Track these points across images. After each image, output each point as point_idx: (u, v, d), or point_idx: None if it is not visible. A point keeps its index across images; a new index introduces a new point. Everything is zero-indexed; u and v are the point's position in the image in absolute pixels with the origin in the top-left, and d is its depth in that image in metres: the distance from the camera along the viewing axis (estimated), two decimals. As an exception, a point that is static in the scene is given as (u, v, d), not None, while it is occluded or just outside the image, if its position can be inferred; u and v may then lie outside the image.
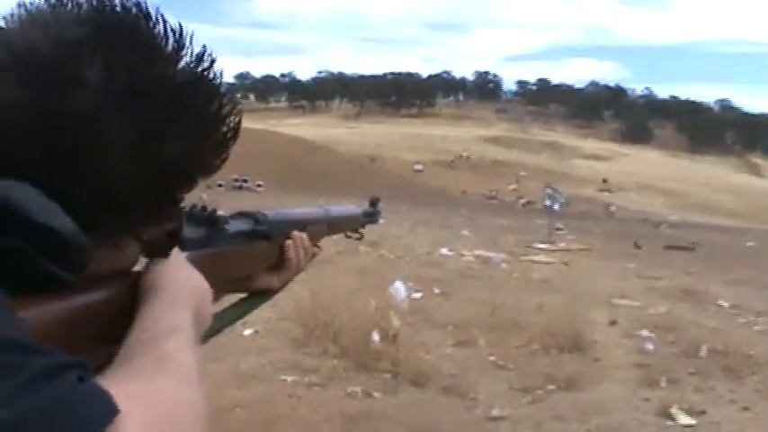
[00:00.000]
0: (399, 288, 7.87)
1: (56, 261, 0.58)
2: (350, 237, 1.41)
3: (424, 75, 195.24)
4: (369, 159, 75.97)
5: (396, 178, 56.92)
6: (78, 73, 0.59)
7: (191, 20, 0.71)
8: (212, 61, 0.66)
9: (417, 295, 8.85)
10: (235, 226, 0.92)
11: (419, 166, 76.83)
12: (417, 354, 6.15)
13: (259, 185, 41.10)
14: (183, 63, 0.64)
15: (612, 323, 8.06)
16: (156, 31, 0.63)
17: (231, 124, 0.69)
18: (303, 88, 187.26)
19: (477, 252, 14.42)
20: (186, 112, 0.64)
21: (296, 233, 1.06)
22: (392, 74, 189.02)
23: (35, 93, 0.58)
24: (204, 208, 0.84)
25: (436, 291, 9.50)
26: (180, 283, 0.70)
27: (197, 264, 0.76)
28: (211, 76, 0.66)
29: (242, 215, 0.97)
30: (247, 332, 6.53)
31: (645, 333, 7.53)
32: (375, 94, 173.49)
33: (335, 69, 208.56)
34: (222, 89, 0.67)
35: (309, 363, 5.89)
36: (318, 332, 6.28)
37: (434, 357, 6.30)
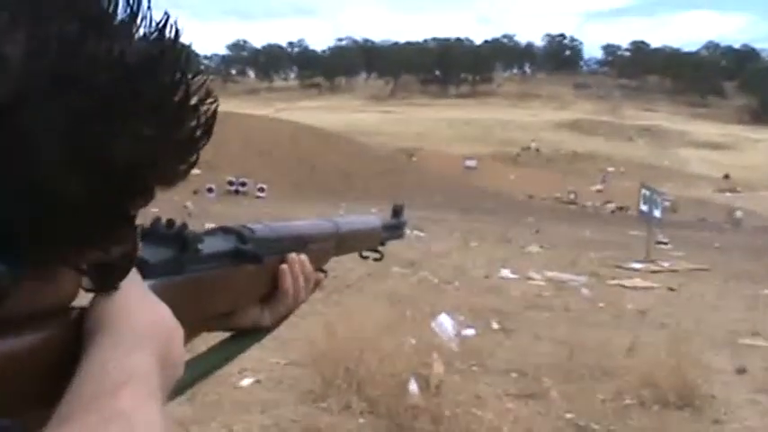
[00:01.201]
0: (445, 323, 7.91)
1: None
2: (366, 257, 1.41)
3: (479, 41, 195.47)
4: (406, 154, 76.18)
5: (441, 179, 56.96)
6: None
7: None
8: (176, 34, 0.65)
9: (469, 332, 8.87)
10: (211, 245, 0.91)
11: (472, 163, 76.74)
12: (468, 409, 6.17)
13: (261, 190, 41.28)
14: (136, 37, 0.63)
15: (740, 371, 8.00)
16: None
17: (201, 118, 0.68)
18: (318, 61, 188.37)
19: (550, 274, 14.41)
20: (140, 103, 0.62)
21: (293, 255, 1.06)
22: (435, 40, 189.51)
23: None
24: (170, 223, 0.85)
25: (495, 326, 9.51)
26: (137, 318, 0.70)
27: (162, 294, 0.76)
28: (175, 54, 0.65)
29: (222, 231, 0.98)
30: (246, 382, 6.60)
31: (789, 386, 7.46)
32: (413, 68, 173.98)
33: (360, 35, 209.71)
34: (189, 72, 0.66)
35: (328, 422, 5.94)
36: (339, 382, 6.32)
37: (491, 414, 6.31)
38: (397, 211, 1.49)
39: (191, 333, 0.85)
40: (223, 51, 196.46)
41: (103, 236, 0.66)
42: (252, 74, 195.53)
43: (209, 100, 0.69)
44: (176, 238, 0.84)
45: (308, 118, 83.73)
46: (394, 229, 1.46)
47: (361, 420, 5.95)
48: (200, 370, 0.92)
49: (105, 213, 0.64)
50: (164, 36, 0.64)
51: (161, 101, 0.64)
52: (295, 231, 1.11)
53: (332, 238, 1.20)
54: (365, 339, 6.68)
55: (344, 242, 1.24)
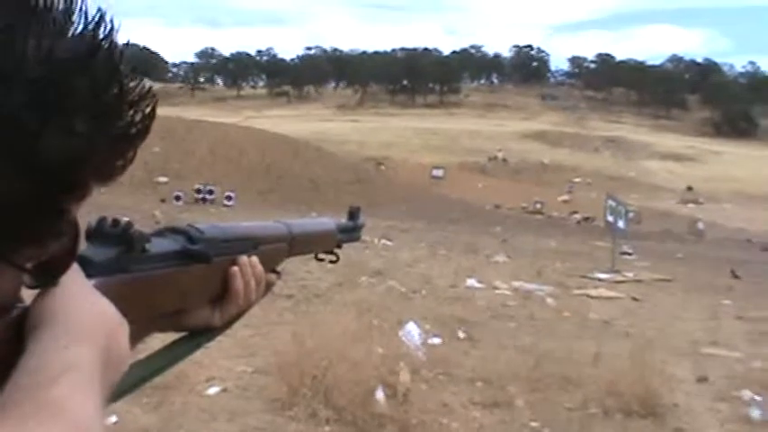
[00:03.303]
0: (412, 331, 7.93)
1: None
2: (321, 260, 1.41)
3: (446, 51, 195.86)
4: (374, 163, 76.19)
5: (409, 188, 56.98)
6: None
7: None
8: (111, 31, 0.66)
9: (436, 341, 8.89)
10: (159, 245, 0.92)
11: (439, 172, 76.74)
12: (435, 418, 6.19)
13: (229, 198, 40.99)
14: (70, 33, 0.64)
15: (701, 380, 8.08)
16: None
17: (138, 115, 0.69)
18: (287, 69, 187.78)
19: (516, 284, 14.47)
20: (71, 98, 0.63)
21: (243, 257, 1.07)
22: (404, 50, 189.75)
23: None
24: (116, 222, 0.85)
25: (461, 335, 9.54)
26: (78, 313, 0.70)
27: (106, 293, 0.77)
28: (109, 51, 0.66)
29: (171, 231, 0.98)
30: (212, 390, 6.58)
31: (748, 395, 7.54)
32: (381, 77, 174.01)
33: (328, 44, 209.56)
34: (125, 67, 0.67)
35: (294, 430, 5.94)
36: (305, 390, 6.32)
37: (457, 423, 6.33)
38: (353, 214, 1.48)
39: (139, 332, 0.86)
40: (192, 59, 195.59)
41: (39, 231, 0.66)
42: (220, 82, 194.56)
43: (146, 95, 0.69)
44: (122, 237, 0.84)
45: (277, 126, 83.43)
46: (350, 232, 1.45)
47: (328, 429, 5.95)
48: (150, 368, 0.92)
49: (39, 209, 0.65)
50: (98, 33, 0.65)
51: (94, 97, 0.65)
52: (245, 232, 1.11)
53: (284, 239, 1.20)
54: (333, 348, 6.68)
55: (298, 244, 1.24)
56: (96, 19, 0.65)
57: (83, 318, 0.70)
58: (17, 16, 0.61)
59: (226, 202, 40.42)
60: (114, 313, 0.75)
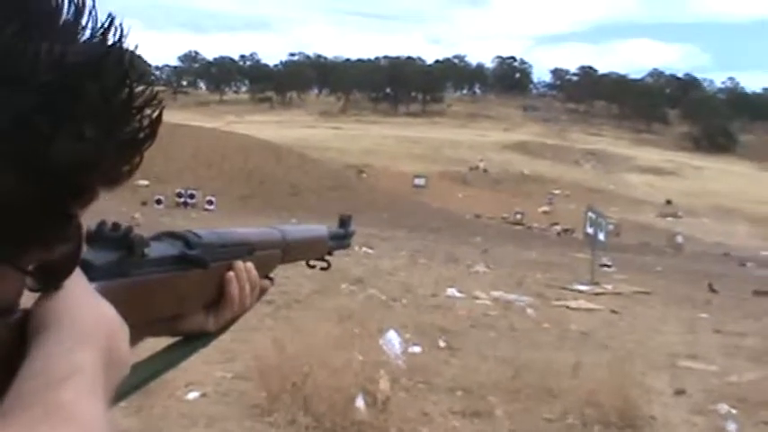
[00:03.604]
0: (393, 340, 7.93)
1: None
2: (313, 266, 1.42)
3: (430, 60, 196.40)
4: (356, 170, 76.21)
5: (390, 196, 57.02)
6: None
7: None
8: (121, 36, 0.66)
9: (416, 349, 8.89)
10: (157, 250, 0.92)
11: (421, 181, 76.92)
12: (414, 426, 6.19)
13: (210, 202, 40.99)
14: (81, 39, 0.64)
15: (678, 393, 8.12)
16: None
17: (145, 121, 0.69)
18: (270, 75, 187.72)
19: (496, 294, 14.50)
20: (81, 103, 0.63)
21: (239, 262, 1.07)
22: (387, 58, 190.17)
23: None
24: (116, 226, 0.85)
25: (441, 344, 9.55)
26: (81, 317, 0.71)
27: (107, 296, 0.77)
28: (118, 56, 0.66)
29: (169, 236, 0.98)
30: (192, 396, 6.56)
31: (724, 408, 7.57)
32: (364, 85, 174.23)
33: (312, 51, 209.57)
34: (134, 73, 0.67)
35: (273, 437, 5.92)
36: (285, 396, 6.31)
37: (437, 432, 6.34)
38: (344, 221, 1.49)
39: (136, 337, 0.85)
40: (174, 62, 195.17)
41: (46, 235, 0.66)
42: (203, 86, 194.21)
43: (154, 101, 0.69)
44: (122, 241, 0.84)
45: (259, 132, 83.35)
46: (341, 239, 1.46)
47: (307, 435, 5.94)
48: (144, 374, 0.92)
49: (47, 213, 0.64)
50: (107, 38, 0.65)
51: (103, 102, 0.65)
52: (242, 238, 1.11)
53: (278, 245, 1.21)
54: (313, 355, 6.67)
55: (291, 250, 1.25)
56: (106, 24, 0.65)
57: (86, 321, 0.71)
58: (30, 20, 0.61)
59: (207, 207, 40.39)
60: (116, 317, 0.75)
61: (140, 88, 0.68)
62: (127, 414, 5.72)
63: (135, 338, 0.84)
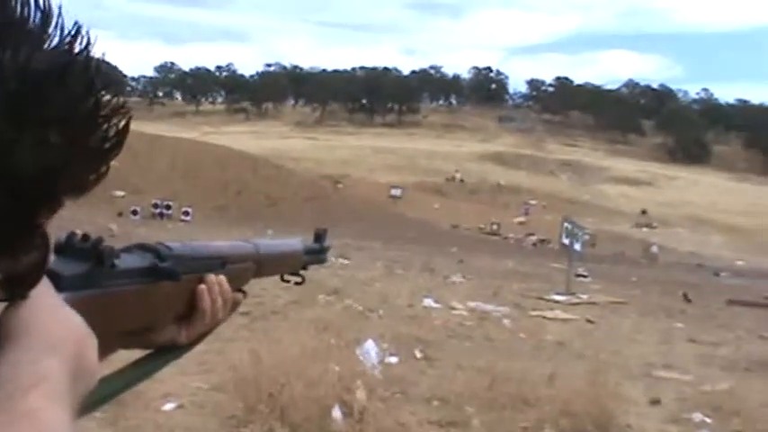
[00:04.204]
0: (369, 350, 7.93)
1: None
2: (287, 281, 1.41)
3: (406, 71, 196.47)
4: (332, 181, 76.20)
5: (367, 206, 57.05)
6: None
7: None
8: (88, 44, 0.66)
9: (393, 360, 8.90)
10: (128, 261, 0.92)
11: (397, 191, 76.97)
12: (392, 437, 6.19)
13: (186, 213, 40.83)
14: (47, 46, 0.64)
15: (654, 402, 8.17)
16: None
17: (112, 129, 0.69)
18: (246, 86, 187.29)
19: (472, 304, 14.53)
20: (47, 110, 0.63)
21: (211, 276, 1.06)
22: (363, 69, 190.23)
23: None
24: (86, 237, 0.84)
25: (417, 354, 9.56)
26: (48, 326, 0.70)
27: (75, 308, 0.76)
28: (85, 63, 0.66)
29: (139, 248, 0.98)
30: (168, 407, 6.53)
31: (698, 417, 7.64)
32: (340, 96, 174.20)
33: (288, 62, 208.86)
34: (100, 81, 0.67)
35: (249, 448, 5.91)
36: (262, 407, 6.29)
37: (414, 442, 6.34)
38: (319, 236, 1.48)
39: (106, 348, 0.85)
40: (150, 73, 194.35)
41: (11, 245, 0.66)
42: (179, 97, 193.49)
43: (122, 111, 0.70)
44: (92, 252, 0.84)
45: (235, 142, 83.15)
46: (316, 254, 1.45)
47: (284, 446, 5.93)
48: (116, 385, 0.92)
49: (12, 221, 0.64)
50: (74, 46, 0.65)
51: (69, 109, 0.65)
52: (213, 251, 1.10)
53: (251, 259, 1.19)
54: (289, 365, 6.67)
55: (265, 264, 1.23)
56: (73, 32, 0.65)
57: (53, 330, 0.70)
58: (4, 19, 0.61)
59: (183, 218, 40.25)
60: (84, 327, 0.74)
61: (108, 97, 0.68)
62: (102, 425, 5.69)
63: (105, 350, 0.84)
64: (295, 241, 1.40)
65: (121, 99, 0.70)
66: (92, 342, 0.74)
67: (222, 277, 1.08)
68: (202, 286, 1.04)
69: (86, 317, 0.76)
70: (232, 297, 1.10)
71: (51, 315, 0.72)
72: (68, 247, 0.83)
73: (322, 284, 14.04)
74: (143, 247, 0.98)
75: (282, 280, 1.38)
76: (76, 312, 0.75)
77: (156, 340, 1.01)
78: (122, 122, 0.70)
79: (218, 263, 1.09)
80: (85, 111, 0.66)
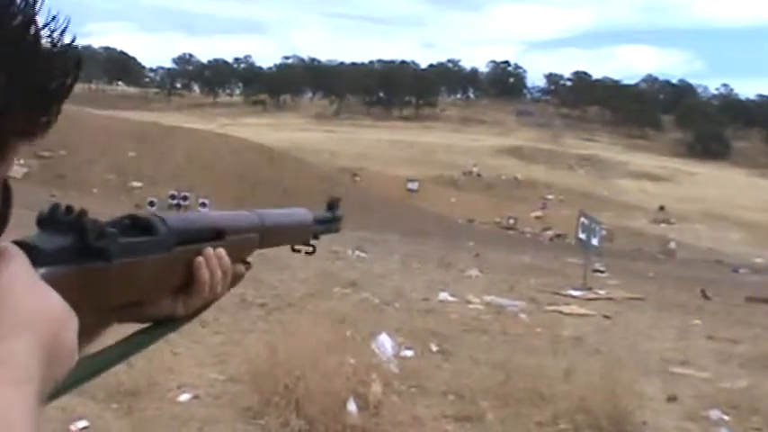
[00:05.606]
0: (385, 343, 7.93)
1: None
2: (298, 251, 1.36)
3: (424, 64, 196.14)
4: (349, 174, 76.29)
5: (383, 200, 57.14)
6: None
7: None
8: None
9: (408, 353, 8.90)
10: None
11: (414, 185, 77.07)
12: (406, 430, 6.19)
13: (203, 204, 40.93)
14: None
15: (671, 399, 8.13)
16: None
17: (57, 67, 0.67)
18: (263, 78, 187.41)
19: (488, 298, 14.51)
20: None
21: (208, 248, 1.02)
22: (381, 62, 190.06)
23: None
24: (69, 209, 0.80)
25: (433, 348, 9.55)
26: (20, 305, 0.67)
27: (56, 284, 0.73)
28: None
29: (130, 219, 0.93)
30: (184, 398, 6.55)
31: (716, 414, 7.58)
32: (358, 89, 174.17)
33: (306, 54, 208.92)
34: (40, 17, 0.66)
35: (265, 439, 5.92)
36: (278, 399, 6.30)
37: (429, 436, 6.34)
38: (331, 205, 1.45)
39: (97, 324, 0.84)
40: (169, 65, 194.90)
41: None
42: (197, 88, 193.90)
43: (69, 49, 0.68)
44: (74, 225, 0.80)
45: (253, 134, 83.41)
46: (328, 223, 1.42)
47: (299, 438, 5.94)
48: (113, 356, 0.89)
49: None
50: None
51: (6, 45, 0.63)
52: (212, 222, 1.06)
53: (255, 229, 1.15)
54: (305, 358, 6.67)
55: (270, 235, 1.19)
56: None
57: (26, 310, 0.67)
58: None
59: (200, 209, 40.31)
60: (62, 306, 0.71)
61: (52, 35, 0.66)
62: (118, 416, 5.72)
63: (96, 326, 0.84)
64: (303, 211, 1.35)
65: (69, 37, 0.67)
66: (70, 322, 0.71)
67: (221, 249, 1.04)
68: (200, 258, 1.00)
69: (67, 293, 0.72)
70: (233, 269, 1.07)
71: (23, 293, 0.69)
72: (51, 220, 0.79)
73: (338, 277, 14.07)
74: (133, 219, 0.93)
75: (293, 250, 1.35)
76: (55, 288, 0.72)
77: (152, 313, 0.98)
78: (70, 61, 0.68)
79: (218, 234, 1.05)
80: (23, 46, 0.64)
